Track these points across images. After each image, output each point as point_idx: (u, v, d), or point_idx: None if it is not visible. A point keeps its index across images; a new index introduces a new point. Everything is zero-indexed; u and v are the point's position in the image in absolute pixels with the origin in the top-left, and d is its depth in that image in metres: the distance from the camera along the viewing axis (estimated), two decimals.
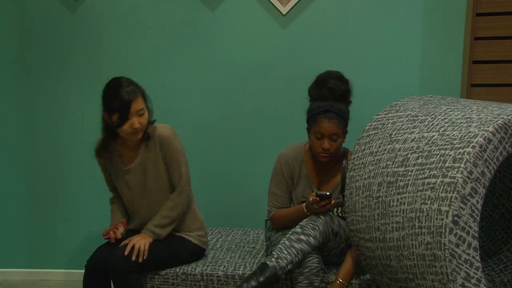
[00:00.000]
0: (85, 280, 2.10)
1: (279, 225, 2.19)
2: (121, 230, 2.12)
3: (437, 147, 1.63)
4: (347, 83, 2.20)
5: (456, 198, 1.49)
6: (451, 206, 1.49)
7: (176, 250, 2.16)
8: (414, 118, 1.84)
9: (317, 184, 2.20)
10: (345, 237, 2.08)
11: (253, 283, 1.82)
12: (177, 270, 2.13)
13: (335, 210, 2.16)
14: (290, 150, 2.22)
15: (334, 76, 2.17)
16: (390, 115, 1.96)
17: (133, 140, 2.11)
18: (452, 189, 1.50)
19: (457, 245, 1.49)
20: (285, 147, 2.77)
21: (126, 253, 2.00)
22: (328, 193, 1.94)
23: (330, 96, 2.11)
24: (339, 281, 1.99)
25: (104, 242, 2.19)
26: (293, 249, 1.89)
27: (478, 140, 1.53)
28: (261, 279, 1.83)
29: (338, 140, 2.06)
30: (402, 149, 1.75)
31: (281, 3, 2.67)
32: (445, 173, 1.54)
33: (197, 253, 2.25)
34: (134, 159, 2.14)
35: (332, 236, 1.99)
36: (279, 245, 1.92)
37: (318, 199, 1.95)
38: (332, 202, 1.96)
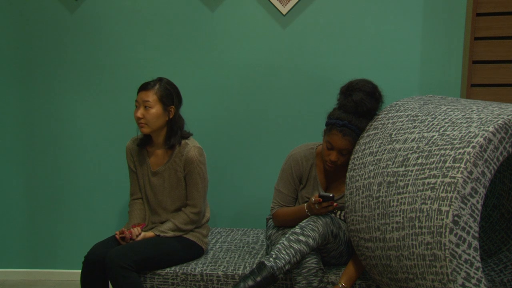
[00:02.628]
0: (82, 276, 2.11)
1: (280, 223, 2.19)
2: (136, 231, 2.16)
3: (437, 147, 1.63)
4: (376, 100, 2.03)
5: (456, 198, 1.49)
6: (451, 206, 1.49)
7: (174, 246, 2.17)
8: (414, 118, 1.84)
9: (325, 188, 2.19)
10: (345, 239, 2.07)
11: (250, 282, 1.82)
12: (177, 270, 2.13)
13: (338, 213, 2.15)
14: (302, 151, 2.20)
15: (365, 89, 2.00)
16: (390, 115, 1.96)
17: (155, 142, 2.26)
18: (452, 189, 1.50)
19: (457, 245, 1.49)
20: (285, 148, 2.78)
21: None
22: (331, 195, 1.93)
23: (353, 109, 1.99)
24: (342, 284, 1.99)
25: (102, 238, 2.19)
26: (291, 250, 1.89)
27: (478, 140, 1.53)
28: (258, 278, 1.83)
29: (347, 155, 2.04)
30: (402, 149, 1.75)
31: (281, 3, 2.67)
32: (445, 173, 1.54)
33: (195, 251, 2.25)
34: (161, 165, 2.26)
35: (331, 238, 1.99)
36: (278, 245, 1.91)
37: (321, 199, 1.94)
38: (334, 204, 1.96)
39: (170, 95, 2.20)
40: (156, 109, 2.16)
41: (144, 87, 2.17)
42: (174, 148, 2.24)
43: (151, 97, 2.15)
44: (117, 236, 2.14)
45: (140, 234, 2.17)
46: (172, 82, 2.25)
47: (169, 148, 2.23)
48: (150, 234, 2.18)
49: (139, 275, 2.09)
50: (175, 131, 2.23)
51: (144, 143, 2.29)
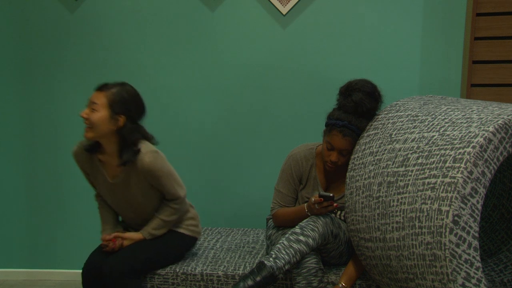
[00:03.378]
0: (84, 286, 2.08)
1: (280, 223, 2.19)
2: (118, 243, 2.09)
3: (437, 147, 1.63)
4: (376, 100, 2.03)
5: (456, 198, 1.49)
6: (452, 206, 1.49)
7: (167, 245, 2.14)
8: (414, 118, 1.84)
9: (325, 188, 2.19)
10: (345, 239, 2.07)
11: (250, 282, 1.82)
12: (177, 270, 2.13)
13: (338, 213, 2.15)
14: (302, 151, 2.20)
15: (364, 90, 2.00)
16: (390, 115, 1.96)
17: (107, 150, 2.04)
18: (452, 189, 1.50)
19: (458, 245, 1.49)
20: (285, 148, 2.78)
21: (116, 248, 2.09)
22: (331, 195, 1.93)
23: (353, 109, 1.99)
24: (342, 284, 1.99)
25: (98, 244, 2.18)
26: (291, 250, 1.89)
27: (478, 140, 1.53)
28: (258, 278, 1.83)
29: (347, 155, 2.04)
30: (402, 149, 1.75)
31: (281, 3, 2.67)
32: (446, 173, 1.54)
33: (190, 243, 2.22)
34: (118, 175, 2.08)
35: (331, 238, 1.99)
36: (278, 245, 1.91)
37: (321, 199, 1.94)
38: (335, 205, 1.96)
39: (124, 103, 1.98)
40: (101, 114, 1.94)
41: (99, 88, 2.00)
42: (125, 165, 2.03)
43: (100, 99, 1.96)
44: (103, 244, 2.09)
45: (121, 246, 2.09)
46: (135, 92, 2.04)
47: (123, 164, 2.01)
48: (138, 236, 2.10)
49: (138, 279, 2.07)
50: (127, 145, 2.00)
51: (93, 148, 2.07)
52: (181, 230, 2.20)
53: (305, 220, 1.98)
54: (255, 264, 2.16)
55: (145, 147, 2.03)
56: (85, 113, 1.96)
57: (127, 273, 1.98)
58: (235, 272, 2.12)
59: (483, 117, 1.63)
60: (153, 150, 2.03)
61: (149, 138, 2.10)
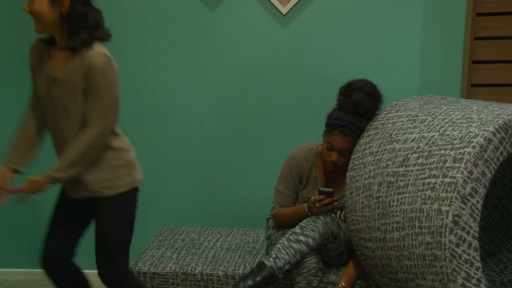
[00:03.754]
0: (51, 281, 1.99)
1: (280, 223, 2.19)
2: (22, 190, 1.81)
3: (438, 147, 1.63)
4: (376, 100, 2.03)
5: (456, 198, 1.49)
6: (452, 206, 1.49)
7: (116, 215, 1.93)
8: (414, 118, 1.84)
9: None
10: (345, 239, 2.07)
11: (250, 282, 1.82)
12: (177, 270, 2.13)
13: (338, 213, 2.16)
14: (302, 151, 2.20)
15: (364, 89, 2.00)
16: (390, 115, 1.97)
17: (58, 43, 1.84)
18: (452, 189, 1.50)
19: (458, 245, 1.49)
20: (285, 148, 2.78)
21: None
22: (331, 190, 1.93)
23: (353, 109, 2.00)
24: (342, 284, 1.99)
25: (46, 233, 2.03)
26: (291, 250, 1.89)
27: (478, 140, 1.53)
28: (258, 278, 1.83)
29: (348, 155, 2.04)
30: (402, 149, 1.75)
31: (281, 3, 2.67)
32: (446, 173, 1.54)
33: (134, 196, 1.99)
34: (61, 71, 1.83)
35: (331, 238, 1.99)
36: (278, 245, 1.92)
37: (324, 196, 1.94)
38: (335, 204, 1.96)
39: None
40: (40, 2, 1.74)
41: None
42: (77, 51, 1.79)
43: None
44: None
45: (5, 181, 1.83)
46: None
47: (71, 49, 1.79)
48: (37, 179, 1.79)
49: (135, 277, 2.05)
50: (75, 29, 1.77)
51: (49, 42, 1.88)
52: (119, 190, 1.93)
53: (305, 220, 1.98)
54: (255, 264, 2.17)
55: (101, 47, 1.81)
56: (26, 5, 1.75)
57: (128, 278, 1.97)
58: (235, 272, 2.12)
59: (483, 117, 1.63)
60: (108, 55, 1.79)
61: (102, 28, 1.85)
